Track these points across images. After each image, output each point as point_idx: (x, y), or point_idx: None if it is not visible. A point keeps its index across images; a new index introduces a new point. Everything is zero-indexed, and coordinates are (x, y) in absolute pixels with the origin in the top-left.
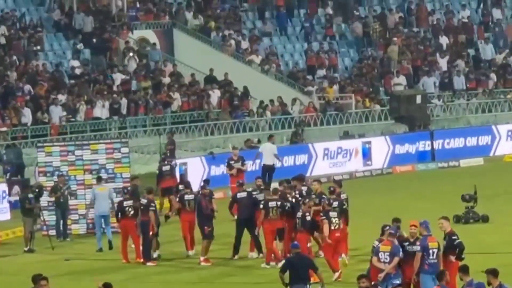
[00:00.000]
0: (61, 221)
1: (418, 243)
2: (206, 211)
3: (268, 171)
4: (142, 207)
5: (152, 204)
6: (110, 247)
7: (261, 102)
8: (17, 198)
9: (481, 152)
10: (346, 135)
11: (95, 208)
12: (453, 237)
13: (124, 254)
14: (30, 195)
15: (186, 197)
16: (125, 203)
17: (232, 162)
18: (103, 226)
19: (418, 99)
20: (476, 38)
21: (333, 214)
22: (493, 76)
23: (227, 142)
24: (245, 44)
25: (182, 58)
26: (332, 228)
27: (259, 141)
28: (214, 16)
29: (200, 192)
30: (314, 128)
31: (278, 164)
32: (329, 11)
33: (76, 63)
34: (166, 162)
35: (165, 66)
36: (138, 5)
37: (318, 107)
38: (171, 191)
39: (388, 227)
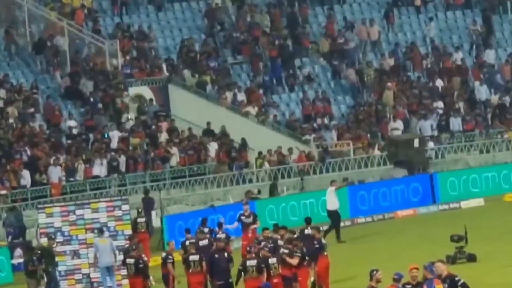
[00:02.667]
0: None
1: (424, 286)
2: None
3: (331, 217)
4: (161, 261)
5: (169, 257)
6: None
7: (260, 153)
8: (19, 260)
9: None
10: (346, 182)
11: (99, 261)
12: (456, 278)
13: None
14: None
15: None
16: (128, 261)
17: (243, 217)
18: (108, 276)
19: (416, 143)
20: (472, 79)
21: (272, 260)
22: (489, 116)
23: (227, 195)
24: (240, 96)
25: (178, 113)
26: (272, 274)
27: (259, 192)
28: (207, 70)
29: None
30: (314, 176)
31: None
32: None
33: (73, 123)
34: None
35: (161, 121)
36: (131, 63)
37: (316, 155)
38: None
39: (375, 272)
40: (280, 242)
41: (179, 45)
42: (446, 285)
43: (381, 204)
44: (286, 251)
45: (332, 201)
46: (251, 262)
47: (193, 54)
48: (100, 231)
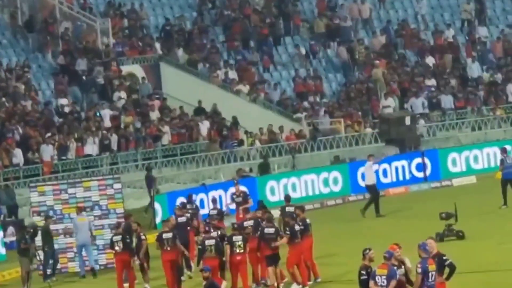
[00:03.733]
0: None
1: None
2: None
3: (369, 191)
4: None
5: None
6: (94, 275)
7: (249, 132)
8: (12, 239)
9: (474, 170)
10: (337, 160)
11: (76, 239)
12: (444, 258)
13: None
14: (26, 235)
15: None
16: (114, 238)
17: (234, 197)
18: (84, 254)
19: (407, 121)
20: (464, 57)
21: (237, 238)
22: (481, 94)
23: (219, 173)
24: (232, 74)
25: (170, 91)
26: (236, 251)
27: (250, 170)
28: (198, 48)
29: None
30: (305, 154)
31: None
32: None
33: (64, 101)
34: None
35: (153, 100)
36: (123, 41)
37: (308, 133)
38: None
39: (367, 250)
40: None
41: (169, 23)
42: (435, 263)
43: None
44: (271, 230)
45: (370, 176)
46: (210, 242)
47: (184, 32)
48: (79, 209)
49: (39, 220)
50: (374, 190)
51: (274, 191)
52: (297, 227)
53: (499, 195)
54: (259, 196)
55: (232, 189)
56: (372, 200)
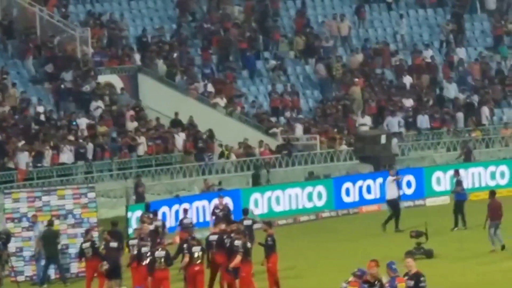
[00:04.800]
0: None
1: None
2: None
3: (390, 206)
4: None
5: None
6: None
7: (223, 145)
8: None
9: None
10: (312, 176)
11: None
12: (421, 279)
13: None
14: None
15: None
16: (83, 245)
17: (217, 210)
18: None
19: (383, 139)
20: (441, 77)
21: (196, 249)
22: (460, 115)
23: (193, 185)
24: (210, 87)
25: (147, 102)
26: (194, 262)
27: (219, 183)
28: (176, 61)
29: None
30: (279, 169)
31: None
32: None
33: (41, 109)
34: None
35: (130, 110)
36: (102, 50)
37: (284, 148)
38: None
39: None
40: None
41: (146, 34)
42: (413, 282)
43: (345, 199)
44: (238, 243)
45: (391, 190)
46: (160, 253)
47: (163, 44)
48: (50, 223)
49: (12, 227)
50: (394, 205)
51: (258, 203)
52: (249, 244)
53: (471, 216)
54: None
55: (215, 202)
56: (392, 215)
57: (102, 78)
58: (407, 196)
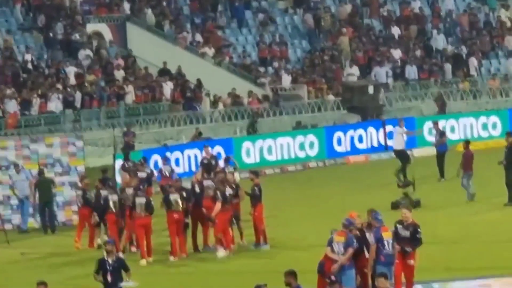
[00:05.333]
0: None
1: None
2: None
3: (398, 156)
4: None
5: None
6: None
7: (213, 95)
8: None
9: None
10: (299, 126)
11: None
12: (418, 229)
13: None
14: None
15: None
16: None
17: (205, 161)
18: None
19: (371, 90)
20: (429, 28)
21: (173, 196)
22: (447, 66)
23: (181, 134)
24: (198, 37)
25: (136, 52)
26: (173, 209)
27: (199, 134)
28: (166, 10)
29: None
30: (267, 118)
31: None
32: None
33: (28, 57)
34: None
35: (118, 59)
36: None
37: (271, 98)
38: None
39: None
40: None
41: None
42: (409, 232)
43: (334, 149)
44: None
45: (399, 141)
46: (140, 200)
47: None
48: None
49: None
50: (402, 155)
51: (250, 153)
52: (228, 192)
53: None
54: (235, 157)
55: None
56: (403, 164)
57: (91, 27)
58: (413, 143)
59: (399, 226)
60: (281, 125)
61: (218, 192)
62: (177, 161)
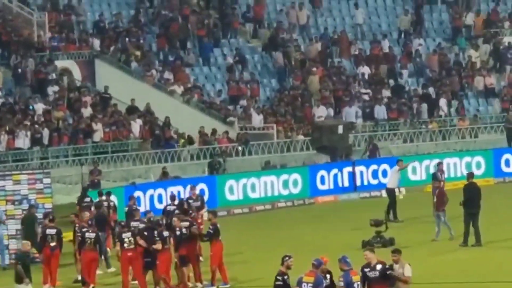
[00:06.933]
0: None
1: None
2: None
3: (389, 195)
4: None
5: None
6: None
7: (181, 133)
8: None
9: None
10: (268, 165)
11: None
12: (387, 267)
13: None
14: None
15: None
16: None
17: (191, 201)
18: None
19: (340, 129)
20: (398, 68)
21: (126, 235)
22: (417, 106)
23: (149, 172)
24: (167, 74)
25: (104, 89)
26: (125, 246)
27: (165, 173)
28: (133, 47)
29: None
30: (236, 158)
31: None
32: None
33: None
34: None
35: (86, 96)
36: (59, 35)
37: (240, 137)
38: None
39: (287, 258)
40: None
41: (103, 19)
42: (378, 273)
43: (301, 189)
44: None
45: (393, 180)
46: (90, 235)
47: (121, 30)
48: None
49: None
50: (392, 195)
51: (233, 190)
52: (165, 233)
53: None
54: (218, 195)
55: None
56: (390, 204)
57: (59, 63)
58: (383, 184)
59: (366, 270)
60: (250, 165)
61: (156, 233)
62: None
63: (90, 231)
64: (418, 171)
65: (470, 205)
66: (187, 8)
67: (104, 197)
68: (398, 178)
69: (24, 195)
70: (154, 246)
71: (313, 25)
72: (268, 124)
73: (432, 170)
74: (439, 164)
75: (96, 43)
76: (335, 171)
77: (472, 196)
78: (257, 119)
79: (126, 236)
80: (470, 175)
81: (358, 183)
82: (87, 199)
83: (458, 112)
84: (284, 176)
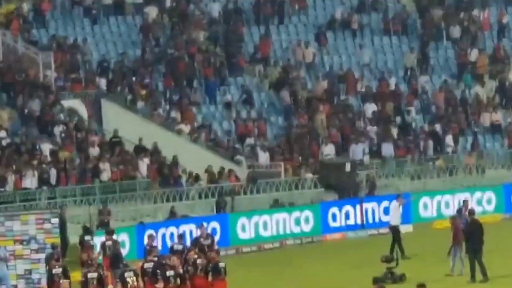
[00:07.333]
0: None
1: None
2: None
3: (392, 232)
4: None
5: None
6: None
7: (188, 172)
8: None
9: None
10: (277, 204)
11: None
12: None
13: None
14: None
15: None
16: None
17: (201, 239)
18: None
19: (348, 167)
20: (404, 105)
21: (128, 274)
22: (423, 143)
23: (157, 212)
24: (174, 113)
25: (111, 128)
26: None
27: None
28: (140, 86)
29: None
30: (244, 196)
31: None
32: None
33: (3, 133)
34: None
35: (93, 135)
36: (65, 75)
37: (247, 175)
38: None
39: None
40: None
41: (108, 59)
42: None
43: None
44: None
45: (395, 216)
46: (92, 275)
47: (127, 69)
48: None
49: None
50: (396, 231)
51: (245, 228)
52: (168, 273)
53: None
54: (230, 233)
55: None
56: (395, 241)
57: (66, 103)
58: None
59: None
60: (258, 204)
61: (159, 271)
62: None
63: (92, 271)
64: (429, 207)
65: (473, 242)
66: (193, 47)
67: (108, 236)
68: (400, 214)
69: (32, 235)
70: (157, 285)
71: (319, 63)
72: (275, 162)
73: (451, 206)
74: (465, 202)
75: (102, 82)
76: (346, 208)
77: (474, 232)
78: (264, 157)
79: (129, 275)
80: (472, 211)
81: (367, 220)
82: (88, 238)
83: (464, 149)
84: (296, 214)
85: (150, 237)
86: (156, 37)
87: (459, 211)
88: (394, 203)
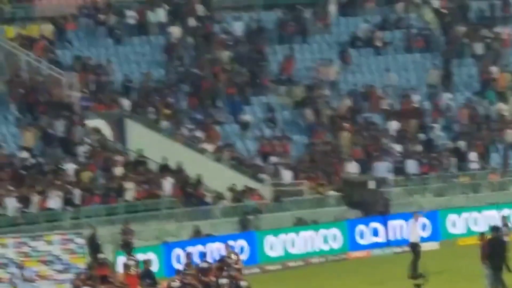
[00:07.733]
0: None
1: None
2: None
3: (412, 249)
4: None
5: None
6: None
7: (213, 191)
8: None
9: (436, 237)
10: (300, 222)
11: None
12: None
13: None
14: None
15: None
16: None
17: (228, 258)
18: None
19: (371, 185)
20: (429, 122)
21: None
22: (447, 160)
23: (181, 231)
24: (198, 133)
25: (135, 148)
26: None
27: (197, 232)
28: (165, 104)
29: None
30: (267, 215)
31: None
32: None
33: (27, 154)
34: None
35: (117, 155)
36: (89, 95)
37: (271, 194)
38: None
39: None
40: None
41: (131, 79)
42: None
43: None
44: None
45: (414, 234)
46: None
47: (151, 89)
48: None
49: (0, 272)
50: (416, 249)
51: (273, 246)
52: None
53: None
54: (258, 252)
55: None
56: (415, 258)
57: (89, 123)
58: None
59: None
60: (282, 222)
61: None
62: (178, 258)
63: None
64: (458, 224)
65: (495, 259)
66: (217, 66)
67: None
68: (418, 230)
69: (57, 256)
70: None
71: (342, 81)
72: (299, 180)
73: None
74: (504, 218)
75: (126, 102)
76: (373, 225)
77: (496, 250)
78: (287, 176)
79: None
80: (495, 228)
81: (392, 237)
82: (101, 256)
83: (489, 165)
84: (323, 231)
85: (188, 255)
86: (179, 56)
87: (495, 228)
88: (412, 220)
